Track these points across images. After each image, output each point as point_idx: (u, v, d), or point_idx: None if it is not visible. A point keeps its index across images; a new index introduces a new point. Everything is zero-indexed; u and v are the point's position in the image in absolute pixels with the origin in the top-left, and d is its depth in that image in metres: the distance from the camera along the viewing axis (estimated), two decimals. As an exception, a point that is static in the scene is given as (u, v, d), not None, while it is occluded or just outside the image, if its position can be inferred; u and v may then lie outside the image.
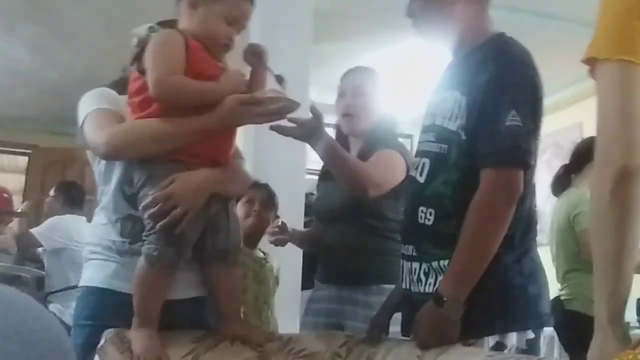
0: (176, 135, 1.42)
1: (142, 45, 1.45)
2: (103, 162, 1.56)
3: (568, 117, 4.88)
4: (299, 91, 3.26)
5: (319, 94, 5.06)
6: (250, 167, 3.16)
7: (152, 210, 1.39)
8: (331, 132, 5.81)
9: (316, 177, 5.66)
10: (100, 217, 1.56)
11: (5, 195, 3.31)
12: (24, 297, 0.49)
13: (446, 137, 1.50)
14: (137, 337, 1.41)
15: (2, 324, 0.44)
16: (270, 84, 1.53)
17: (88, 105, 1.54)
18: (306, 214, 4.24)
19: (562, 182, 3.04)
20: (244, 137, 3.01)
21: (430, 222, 1.49)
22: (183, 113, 1.42)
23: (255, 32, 2.96)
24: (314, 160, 5.86)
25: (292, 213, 3.07)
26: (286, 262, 2.54)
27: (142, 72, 1.44)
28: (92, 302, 1.51)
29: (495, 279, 1.40)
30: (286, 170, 3.16)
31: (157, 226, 1.39)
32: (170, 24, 1.52)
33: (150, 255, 1.40)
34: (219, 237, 1.49)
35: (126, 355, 1.38)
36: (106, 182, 1.56)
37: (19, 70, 5.30)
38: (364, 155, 2.01)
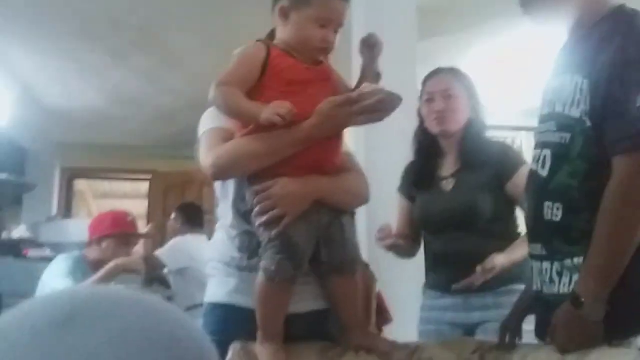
0: (275, 149, 1.44)
1: None
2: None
3: None
4: (406, 91, 3.23)
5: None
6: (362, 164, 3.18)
7: (260, 219, 1.43)
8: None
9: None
10: (220, 234, 1.63)
11: (129, 218, 3.49)
12: (173, 309, 0.51)
13: (568, 125, 1.43)
14: (263, 351, 1.44)
15: (154, 334, 0.47)
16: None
17: (204, 124, 1.61)
18: None
19: None
20: (355, 142, 3.02)
21: (559, 218, 1.43)
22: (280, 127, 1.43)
23: (358, 31, 2.97)
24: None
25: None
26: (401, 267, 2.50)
27: None
28: (215, 317, 1.57)
29: (638, 273, 1.31)
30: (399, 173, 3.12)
31: (266, 233, 1.42)
32: (272, 36, 1.55)
33: (268, 270, 1.43)
34: (333, 248, 1.49)
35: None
36: (224, 199, 1.62)
37: (133, 100, 5.65)
38: (502, 174, 2.06)
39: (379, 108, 1.43)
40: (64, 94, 5.52)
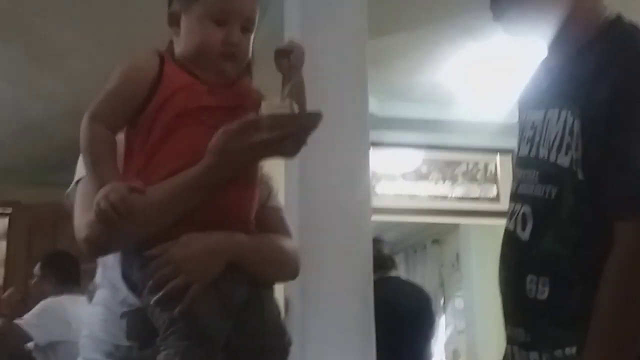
0: (163, 208, 1.39)
1: None
2: None
3: None
4: (353, 101, 3.28)
5: (380, 104, 5.11)
6: (296, 213, 3.17)
7: (156, 294, 1.36)
8: (405, 154, 5.85)
9: (387, 218, 5.68)
10: (99, 310, 1.58)
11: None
12: None
13: (555, 176, 1.46)
14: None
15: None
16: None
17: (81, 163, 1.53)
18: (375, 267, 4.26)
19: None
20: (286, 178, 3.02)
21: (545, 296, 1.44)
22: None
23: (292, 29, 2.98)
24: (382, 196, 5.89)
25: (356, 267, 3.05)
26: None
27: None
28: None
29: None
30: (345, 213, 3.14)
31: (165, 314, 1.35)
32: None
33: None
34: (248, 334, 1.44)
35: None
36: (103, 261, 1.59)
37: (-5, 107, 5.49)
38: None
39: (291, 134, 1.40)
40: None
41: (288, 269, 1.59)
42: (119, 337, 1.50)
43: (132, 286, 1.47)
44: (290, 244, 1.60)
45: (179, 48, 1.47)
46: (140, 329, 1.46)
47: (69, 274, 4.13)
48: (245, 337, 1.44)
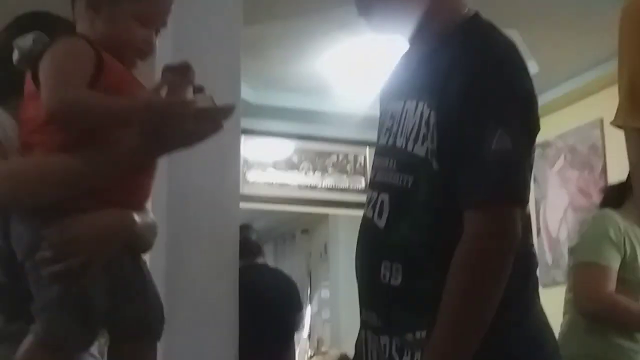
0: (81, 175, 1.41)
1: (29, 60, 1.45)
2: None
3: (585, 112, 4.93)
4: (228, 89, 3.24)
5: (254, 91, 5.09)
6: (164, 197, 3.14)
7: (50, 268, 1.36)
8: (277, 143, 5.83)
9: (256, 206, 5.69)
10: None
11: None
12: None
13: (412, 165, 1.48)
14: None
15: None
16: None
17: None
18: (242, 253, 4.29)
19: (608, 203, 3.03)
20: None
21: (398, 281, 1.47)
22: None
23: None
24: (253, 183, 5.88)
25: (222, 253, 3.05)
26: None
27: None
28: None
29: (491, 351, 1.37)
30: (213, 199, 3.13)
31: (54, 287, 1.36)
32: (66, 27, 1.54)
33: (52, 337, 1.36)
34: (132, 305, 1.47)
35: None
36: None
37: None
38: None
39: (213, 128, 1.47)
40: None
41: (154, 238, 1.63)
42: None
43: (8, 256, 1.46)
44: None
45: (93, 33, 1.48)
46: (6, 303, 1.47)
47: None
48: (124, 307, 1.46)
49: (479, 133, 1.38)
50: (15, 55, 1.46)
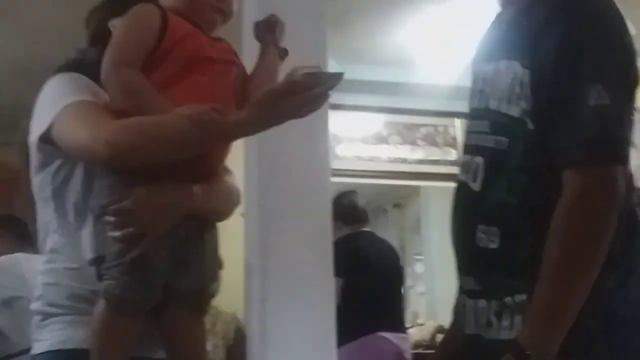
0: (191, 137, 1.44)
1: None
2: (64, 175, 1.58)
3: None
4: (313, 62, 3.26)
5: (341, 65, 5.09)
6: (256, 173, 3.19)
7: (112, 232, 1.43)
8: (366, 117, 5.88)
9: (348, 180, 5.72)
10: (65, 256, 1.59)
11: None
12: None
13: (506, 126, 1.47)
14: None
15: None
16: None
17: (60, 96, 1.56)
18: (350, 220, 4.36)
19: None
20: (246, 138, 3.03)
21: (496, 245, 1.46)
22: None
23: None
24: (343, 158, 5.91)
25: (315, 227, 3.09)
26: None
27: None
28: None
29: (594, 312, 1.36)
30: (304, 174, 3.16)
31: (115, 247, 1.43)
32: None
33: (111, 294, 1.43)
34: (187, 276, 1.51)
35: None
36: (62, 208, 1.59)
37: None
38: None
39: (325, 95, 1.47)
40: None
41: (234, 206, 1.66)
42: (91, 281, 1.52)
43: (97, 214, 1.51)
44: (232, 181, 1.66)
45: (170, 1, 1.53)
46: None
47: (21, 234, 4.09)
48: (179, 275, 1.50)
49: (576, 88, 1.37)
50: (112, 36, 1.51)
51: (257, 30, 1.57)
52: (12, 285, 3.69)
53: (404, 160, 5.89)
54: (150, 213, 1.45)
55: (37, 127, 1.58)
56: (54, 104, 1.55)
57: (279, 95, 1.44)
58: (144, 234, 1.43)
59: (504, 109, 1.48)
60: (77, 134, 1.49)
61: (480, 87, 1.58)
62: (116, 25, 1.51)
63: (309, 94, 1.43)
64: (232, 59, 1.56)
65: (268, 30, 1.56)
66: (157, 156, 1.46)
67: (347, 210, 4.56)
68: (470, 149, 1.57)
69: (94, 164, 1.52)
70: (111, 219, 1.44)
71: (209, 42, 1.53)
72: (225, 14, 1.56)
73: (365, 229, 4.59)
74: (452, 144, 5.97)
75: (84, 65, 1.67)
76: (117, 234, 1.43)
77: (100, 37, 1.67)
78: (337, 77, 1.48)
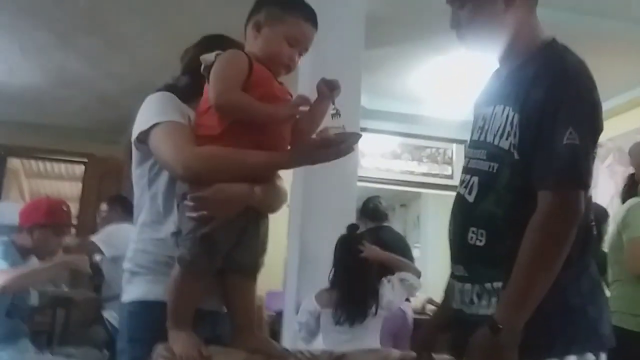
0: (250, 169, 1.48)
1: (208, 70, 1.50)
2: (153, 172, 1.60)
3: (631, 120, 4.72)
4: (351, 97, 3.30)
5: (369, 99, 5.10)
6: (301, 181, 3.20)
7: (189, 213, 1.44)
8: (385, 138, 5.89)
9: (369, 184, 5.70)
10: (152, 230, 1.60)
11: (64, 208, 3.37)
12: None
13: (497, 155, 1.46)
14: (175, 337, 1.44)
15: None
16: (328, 117, 1.56)
17: (158, 112, 1.56)
18: (375, 218, 4.37)
19: (628, 190, 2.91)
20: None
21: (482, 243, 1.45)
22: (255, 132, 1.47)
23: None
24: (366, 168, 5.90)
25: (344, 221, 3.09)
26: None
27: None
28: (150, 316, 1.53)
29: (553, 300, 1.34)
30: (337, 180, 3.17)
31: (190, 224, 1.43)
32: (235, 46, 1.58)
33: (183, 260, 1.44)
34: (244, 251, 1.52)
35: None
36: (154, 194, 1.60)
37: (75, 81, 5.48)
38: None
39: (348, 151, 1.48)
40: (3, 69, 5.31)
41: (283, 203, 1.63)
42: (171, 250, 1.52)
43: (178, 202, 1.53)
44: (281, 184, 1.64)
45: (254, 48, 1.53)
46: None
47: (128, 209, 4.14)
48: (240, 251, 1.51)
49: (553, 130, 1.35)
50: (202, 67, 1.51)
51: (321, 84, 1.54)
52: (120, 246, 3.72)
53: (411, 172, 5.90)
54: (220, 202, 1.44)
55: (137, 129, 1.57)
56: (152, 115, 1.55)
57: (315, 147, 1.46)
58: (213, 217, 1.43)
59: (497, 142, 1.46)
60: (164, 151, 1.50)
61: (480, 124, 1.56)
62: (207, 59, 1.50)
63: (337, 149, 1.46)
64: (289, 98, 1.55)
65: (329, 87, 1.54)
66: (221, 181, 1.45)
67: (373, 210, 4.64)
68: (469, 170, 1.55)
69: (172, 175, 1.54)
70: (190, 203, 1.44)
71: (277, 84, 1.53)
72: (290, 69, 1.56)
73: (385, 224, 4.61)
74: (448, 162, 5.95)
75: (177, 88, 1.67)
76: (193, 214, 1.43)
77: (190, 69, 1.68)
78: (357, 136, 1.49)
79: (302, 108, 1.49)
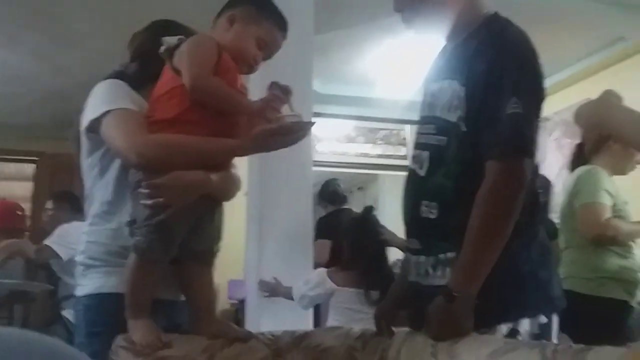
0: (208, 156, 1.48)
1: (170, 53, 1.49)
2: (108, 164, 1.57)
3: (577, 93, 4.81)
4: (303, 82, 3.30)
5: (322, 84, 5.10)
6: (257, 165, 3.20)
7: (144, 200, 1.43)
8: (339, 122, 5.90)
9: (325, 169, 5.72)
10: (104, 220, 1.57)
11: (19, 212, 3.30)
12: (74, 354, 0.47)
13: (446, 128, 1.47)
14: (134, 327, 1.43)
15: None
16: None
17: (108, 99, 1.53)
18: (334, 201, 4.40)
19: (576, 160, 2.99)
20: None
21: (434, 216, 1.47)
22: (212, 118, 1.46)
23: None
24: (321, 153, 5.89)
25: (300, 204, 3.10)
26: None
27: (177, 73, 1.47)
28: (107, 308, 1.52)
29: (504, 267, 1.37)
30: (293, 165, 3.17)
31: (145, 212, 1.42)
32: (184, 32, 1.57)
33: (140, 248, 1.43)
34: (200, 238, 1.52)
35: (139, 355, 1.39)
36: (106, 183, 1.58)
37: (22, 78, 5.32)
38: None
39: (302, 137, 1.50)
40: (-58, 67, 5.13)
41: (235, 191, 1.62)
42: (124, 239, 1.51)
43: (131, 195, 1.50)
44: (235, 172, 1.64)
45: (224, 40, 1.52)
46: None
47: (77, 205, 4.07)
48: (196, 238, 1.51)
49: (497, 101, 1.37)
50: (162, 49, 1.49)
51: (276, 88, 1.52)
52: (74, 246, 3.67)
53: (366, 155, 5.92)
54: (177, 190, 1.43)
55: (87, 118, 1.54)
56: (102, 103, 1.52)
57: (272, 135, 1.47)
58: (169, 205, 1.42)
59: (445, 115, 1.48)
60: (116, 139, 1.48)
61: (429, 100, 1.57)
62: (169, 42, 1.49)
63: (293, 136, 1.47)
64: (245, 93, 1.56)
65: (283, 92, 1.53)
66: (176, 168, 1.45)
67: (332, 193, 4.68)
68: (419, 145, 1.57)
69: (124, 163, 1.52)
70: (145, 190, 1.42)
71: (239, 77, 1.54)
72: (251, 70, 1.57)
73: (345, 207, 4.64)
74: (403, 143, 5.99)
75: (126, 75, 1.64)
76: (149, 202, 1.42)
77: (139, 55, 1.66)
78: (311, 124, 1.53)
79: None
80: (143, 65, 1.62)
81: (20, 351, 0.45)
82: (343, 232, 2.98)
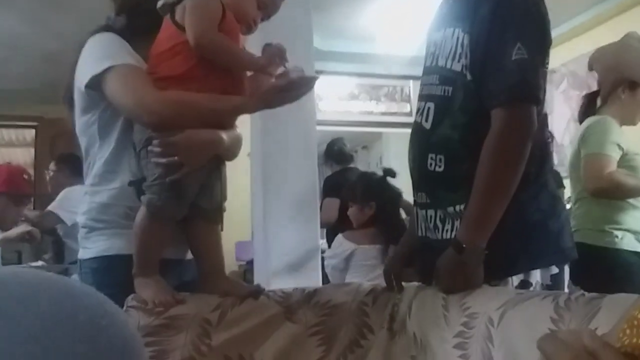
0: (218, 114, 1.47)
1: (169, 8, 1.46)
2: (106, 121, 1.54)
3: (585, 44, 4.74)
4: (303, 38, 3.26)
5: (322, 40, 5.05)
6: (259, 124, 3.18)
7: (157, 158, 1.41)
8: (341, 80, 5.85)
9: (328, 128, 5.69)
10: (107, 180, 1.55)
11: (25, 176, 3.28)
12: (91, 292, 0.47)
13: (450, 78, 1.46)
14: (144, 285, 1.44)
15: (73, 323, 0.42)
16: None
17: (108, 54, 1.48)
18: (340, 160, 4.41)
19: (585, 110, 2.95)
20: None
21: (441, 168, 1.47)
22: (219, 75, 1.45)
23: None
24: (324, 111, 5.86)
25: (305, 164, 3.10)
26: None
27: (181, 28, 1.44)
28: (115, 270, 1.51)
29: (514, 218, 1.37)
30: (296, 124, 3.16)
31: (157, 169, 1.41)
32: None
33: (153, 205, 1.42)
34: (208, 197, 1.52)
35: (151, 314, 1.40)
36: (107, 141, 1.55)
37: (17, 43, 5.27)
38: None
39: (307, 93, 1.50)
40: None
41: (239, 150, 1.62)
42: (130, 200, 1.50)
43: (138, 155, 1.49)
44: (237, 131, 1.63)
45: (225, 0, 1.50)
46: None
47: (78, 168, 4.05)
48: (205, 196, 1.51)
49: (502, 47, 1.35)
50: (159, 4, 1.47)
51: (275, 50, 1.52)
52: (77, 210, 3.68)
53: (370, 113, 5.88)
54: (193, 149, 1.43)
55: (84, 75, 1.48)
56: (102, 58, 1.47)
57: (278, 90, 1.46)
58: (182, 164, 1.41)
59: (449, 65, 1.46)
60: (124, 96, 1.44)
61: (432, 50, 1.55)
62: (191, 4, 1.45)
63: (298, 91, 1.48)
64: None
65: (280, 54, 1.52)
66: (187, 126, 1.43)
67: (338, 152, 4.69)
68: (423, 97, 1.56)
69: (135, 121, 1.49)
70: (157, 148, 1.40)
71: (240, 36, 1.52)
72: (250, 31, 1.55)
73: (351, 165, 4.66)
74: (406, 100, 5.94)
75: (113, 29, 1.58)
76: (162, 160, 1.40)
77: (124, 8, 1.61)
78: (315, 79, 1.52)
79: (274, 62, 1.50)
80: (131, 19, 1.58)
81: (34, 283, 0.45)
82: (364, 192, 3.06)
